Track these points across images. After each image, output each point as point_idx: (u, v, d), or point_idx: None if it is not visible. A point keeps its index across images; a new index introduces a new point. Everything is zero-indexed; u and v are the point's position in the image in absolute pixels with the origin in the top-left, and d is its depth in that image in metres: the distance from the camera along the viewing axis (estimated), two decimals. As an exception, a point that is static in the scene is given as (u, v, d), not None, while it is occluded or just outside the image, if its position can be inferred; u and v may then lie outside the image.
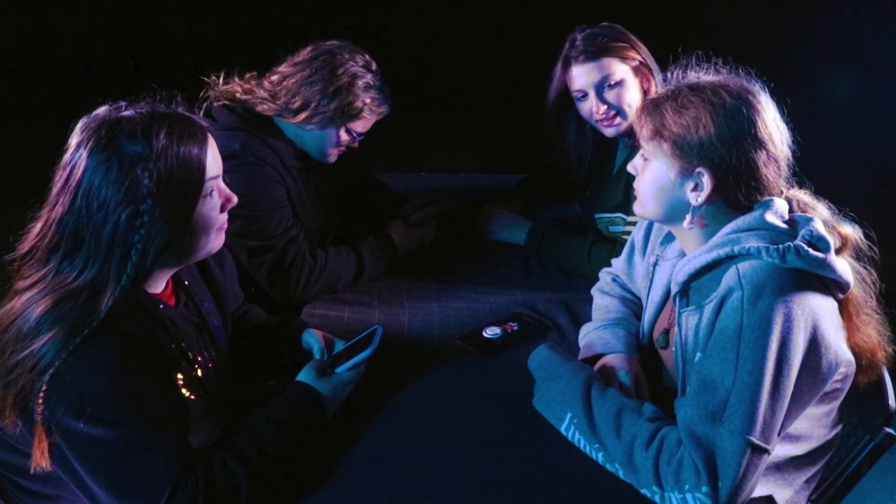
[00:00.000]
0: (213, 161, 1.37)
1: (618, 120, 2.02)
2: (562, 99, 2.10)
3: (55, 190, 1.30)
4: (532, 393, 1.55)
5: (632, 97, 2.00)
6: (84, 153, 1.27)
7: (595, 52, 1.98)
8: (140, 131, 1.28)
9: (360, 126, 1.97)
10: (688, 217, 1.42)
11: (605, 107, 1.99)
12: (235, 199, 1.43)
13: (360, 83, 1.90)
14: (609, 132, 2.05)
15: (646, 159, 1.46)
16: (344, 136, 1.96)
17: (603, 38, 1.99)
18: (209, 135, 1.37)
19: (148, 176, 1.27)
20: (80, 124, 1.32)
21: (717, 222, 1.42)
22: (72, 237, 1.27)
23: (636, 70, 2.00)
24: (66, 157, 1.30)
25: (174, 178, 1.29)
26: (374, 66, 1.96)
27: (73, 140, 1.31)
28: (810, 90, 4.17)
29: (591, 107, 2.02)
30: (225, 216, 1.42)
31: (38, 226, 1.31)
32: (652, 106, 1.43)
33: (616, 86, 1.99)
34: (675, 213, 1.44)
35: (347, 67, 1.89)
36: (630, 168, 1.50)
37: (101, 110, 1.34)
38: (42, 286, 1.27)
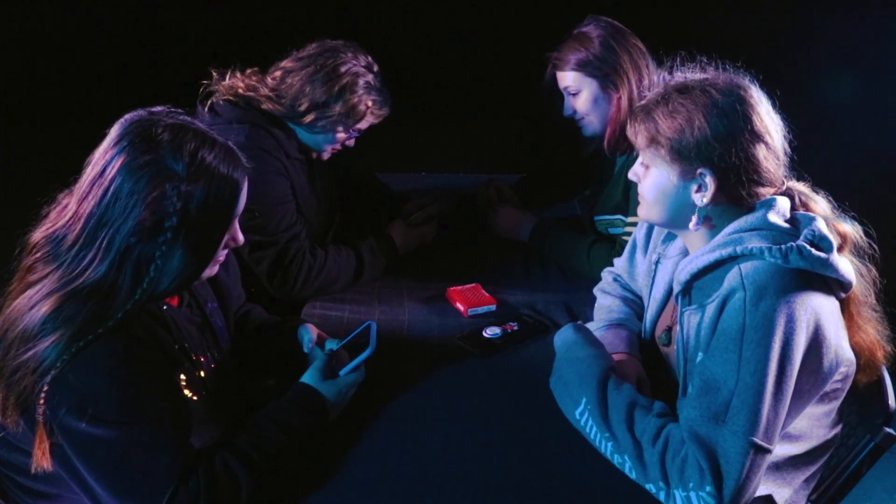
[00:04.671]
0: (241, 202, 1.36)
1: (584, 123, 2.11)
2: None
3: (87, 182, 1.27)
4: (533, 391, 1.55)
5: (592, 109, 2.05)
6: (123, 153, 1.25)
7: (561, 65, 2.05)
8: (186, 150, 1.26)
9: (360, 125, 1.97)
10: (693, 218, 1.41)
11: (572, 110, 2.09)
12: (241, 241, 1.42)
13: (362, 82, 1.90)
14: (584, 130, 2.13)
15: (646, 166, 1.45)
16: (342, 135, 1.97)
17: (573, 50, 2.02)
18: (246, 177, 1.36)
19: (177, 195, 1.25)
20: (130, 117, 1.29)
21: (722, 221, 1.42)
22: (91, 233, 1.25)
23: (603, 85, 2.02)
24: (104, 148, 1.27)
25: (203, 209, 1.28)
26: (375, 68, 1.96)
27: (117, 131, 1.28)
28: (808, 89, 4.17)
29: (566, 105, 2.10)
30: (226, 251, 1.42)
31: (67, 216, 1.28)
32: (644, 113, 1.42)
33: (576, 96, 2.06)
34: (679, 215, 1.44)
35: (350, 66, 1.89)
36: (632, 176, 1.50)
37: (158, 110, 1.31)
38: (49, 281, 1.26)
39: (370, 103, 1.91)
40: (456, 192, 2.52)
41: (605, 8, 2.13)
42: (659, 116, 1.39)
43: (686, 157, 1.38)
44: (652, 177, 1.44)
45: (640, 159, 1.47)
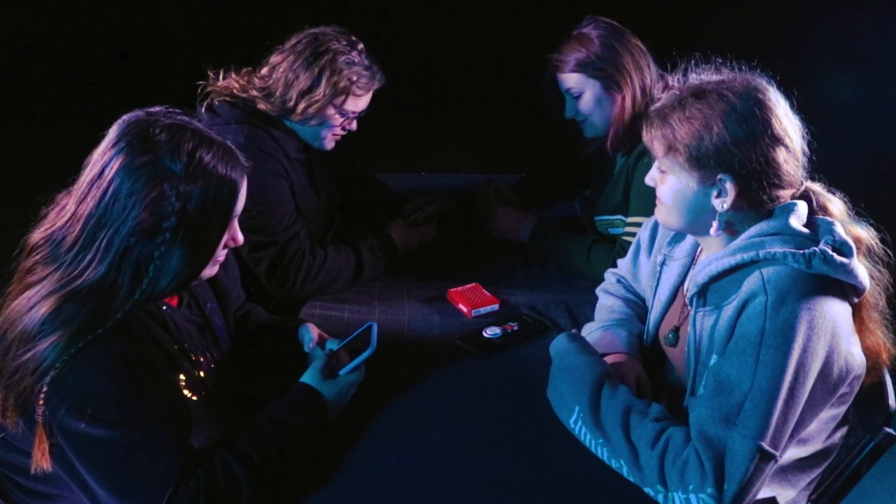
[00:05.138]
0: (240, 202, 1.36)
1: (586, 125, 2.10)
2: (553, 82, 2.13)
3: (85, 183, 1.26)
4: (533, 392, 1.55)
5: (595, 110, 2.05)
6: (121, 154, 1.25)
7: (562, 66, 2.04)
8: (184, 150, 1.26)
9: (352, 104, 1.95)
10: (714, 224, 1.39)
11: (574, 112, 2.08)
12: (241, 241, 1.42)
13: (342, 59, 1.89)
14: (585, 131, 2.13)
15: (663, 172, 1.43)
16: (337, 118, 1.96)
17: (574, 51, 2.01)
18: (245, 177, 1.36)
19: (175, 195, 1.25)
20: (129, 117, 1.29)
21: (744, 226, 1.40)
22: (91, 234, 1.25)
23: (606, 85, 2.01)
24: (103, 149, 1.27)
25: (202, 209, 1.28)
26: (360, 46, 1.95)
27: (115, 132, 1.27)
28: (814, 91, 4.15)
29: (568, 107, 2.09)
30: (226, 251, 1.42)
31: (66, 217, 1.28)
32: (659, 119, 1.39)
33: (578, 98, 2.05)
34: (699, 221, 1.42)
35: (329, 45, 1.89)
36: (649, 181, 1.47)
37: (157, 110, 1.32)
38: (48, 282, 1.25)
39: (354, 77, 1.90)
40: (456, 192, 2.52)
41: (604, 8, 2.12)
42: (675, 122, 1.37)
43: (705, 163, 1.35)
44: (670, 183, 1.41)
45: (656, 164, 1.44)
